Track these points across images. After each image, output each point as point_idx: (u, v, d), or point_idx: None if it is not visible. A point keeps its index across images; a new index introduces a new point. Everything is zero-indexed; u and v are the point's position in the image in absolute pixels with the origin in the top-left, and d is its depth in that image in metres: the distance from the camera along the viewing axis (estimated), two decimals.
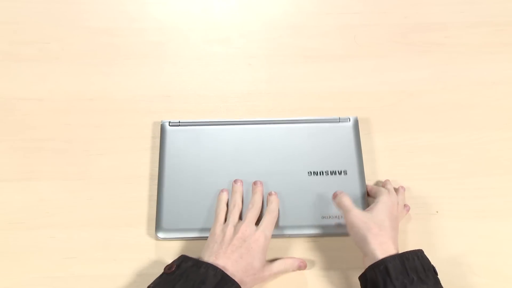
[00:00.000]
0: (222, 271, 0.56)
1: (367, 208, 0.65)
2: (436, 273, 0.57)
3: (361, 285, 0.59)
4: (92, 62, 0.80)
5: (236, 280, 0.56)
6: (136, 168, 0.73)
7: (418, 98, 0.79)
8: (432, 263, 0.59)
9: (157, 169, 0.72)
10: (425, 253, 0.59)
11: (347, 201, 0.64)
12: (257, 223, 0.64)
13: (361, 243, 0.59)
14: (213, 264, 0.56)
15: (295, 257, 0.66)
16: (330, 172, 0.70)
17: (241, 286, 0.57)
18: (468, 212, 0.72)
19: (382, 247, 0.57)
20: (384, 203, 0.63)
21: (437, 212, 0.71)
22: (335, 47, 0.83)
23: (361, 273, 0.60)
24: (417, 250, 0.58)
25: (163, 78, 0.80)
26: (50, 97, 0.77)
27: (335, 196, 0.67)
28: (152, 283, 0.56)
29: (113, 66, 0.80)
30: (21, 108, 0.76)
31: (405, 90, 0.80)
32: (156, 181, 0.71)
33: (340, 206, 0.65)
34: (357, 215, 0.61)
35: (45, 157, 0.73)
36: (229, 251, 0.59)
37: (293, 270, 0.65)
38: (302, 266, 0.65)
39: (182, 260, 0.58)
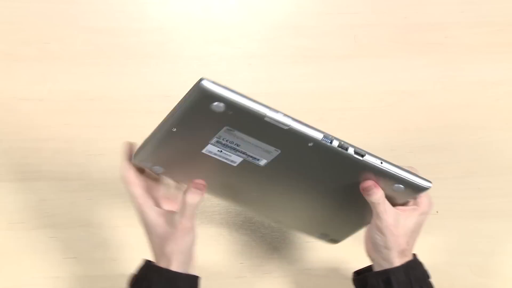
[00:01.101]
0: (166, 269, 0.51)
1: (407, 208, 0.55)
2: (429, 277, 0.56)
3: (356, 284, 0.58)
4: (92, 62, 0.80)
5: (159, 257, 0.51)
6: None
7: (418, 98, 0.79)
8: (431, 263, 0.58)
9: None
10: (426, 253, 0.59)
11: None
12: None
13: (380, 243, 0.54)
14: (154, 264, 0.52)
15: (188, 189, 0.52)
16: None
17: (171, 256, 0.51)
18: (468, 212, 0.72)
19: (401, 257, 0.54)
20: (426, 217, 0.55)
21: (437, 212, 0.71)
22: (335, 47, 0.83)
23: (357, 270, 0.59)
24: (415, 254, 0.56)
25: (163, 78, 0.80)
26: (50, 97, 0.77)
27: (371, 189, 0.52)
28: None
29: (113, 66, 0.80)
30: (21, 108, 0.76)
31: (405, 90, 0.80)
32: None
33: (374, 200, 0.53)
34: (391, 219, 0.52)
35: (45, 157, 0.73)
36: None
37: (190, 203, 0.51)
38: (197, 187, 0.52)
39: (141, 267, 0.54)
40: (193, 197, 0.51)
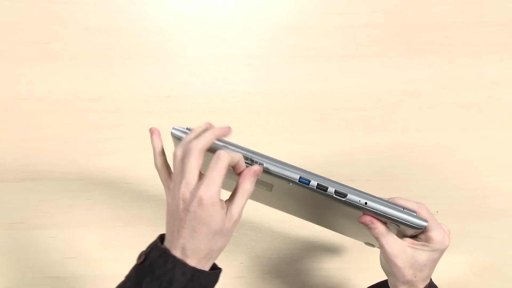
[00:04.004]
0: (193, 268, 0.45)
1: (417, 242, 0.51)
2: None
3: None
4: (92, 62, 0.80)
5: (201, 255, 0.46)
6: (136, 168, 0.73)
7: (418, 98, 0.79)
8: None
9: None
10: None
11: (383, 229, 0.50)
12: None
13: (387, 270, 0.53)
14: (180, 259, 0.45)
15: (241, 178, 0.47)
16: None
17: (213, 254, 0.47)
18: (468, 212, 0.72)
19: (408, 287, 0.51)
20: (439, 253, 0.52)
21: (437, 212, 0.71)
22: (335, 47, 0.83)
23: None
24: (430, 279, 0.53)
25: (163, 78, 0.80)
26: (50, 97, 0.77)
27: (367, 225, 0.49)
28: (125, 277, 0.49)
29: (113, 66, 0.80)
30: (21, 108, 0.76)
31: (405, 90, 0.80)
32: (155, 181, 0.71)
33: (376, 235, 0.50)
34: (393, 251, 0.49)
35: (45, 157, 0.73)
36: (180, 228, 0.45)
37: (250, 191, 0.47)
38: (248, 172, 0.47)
39: (152, 248, 0.48)
40: (251, 184, 0.46)
